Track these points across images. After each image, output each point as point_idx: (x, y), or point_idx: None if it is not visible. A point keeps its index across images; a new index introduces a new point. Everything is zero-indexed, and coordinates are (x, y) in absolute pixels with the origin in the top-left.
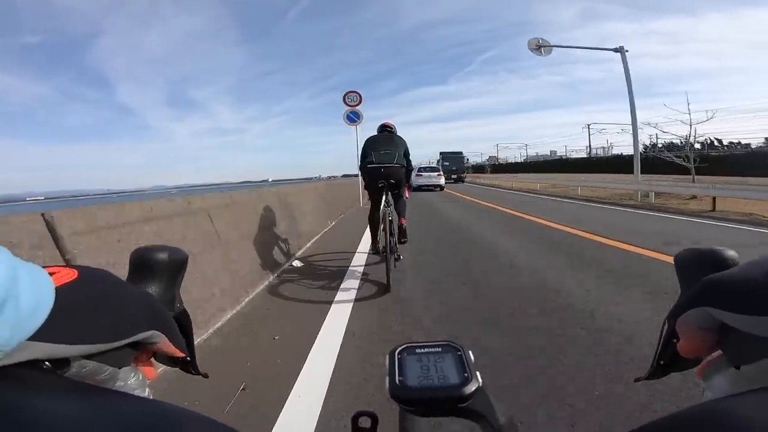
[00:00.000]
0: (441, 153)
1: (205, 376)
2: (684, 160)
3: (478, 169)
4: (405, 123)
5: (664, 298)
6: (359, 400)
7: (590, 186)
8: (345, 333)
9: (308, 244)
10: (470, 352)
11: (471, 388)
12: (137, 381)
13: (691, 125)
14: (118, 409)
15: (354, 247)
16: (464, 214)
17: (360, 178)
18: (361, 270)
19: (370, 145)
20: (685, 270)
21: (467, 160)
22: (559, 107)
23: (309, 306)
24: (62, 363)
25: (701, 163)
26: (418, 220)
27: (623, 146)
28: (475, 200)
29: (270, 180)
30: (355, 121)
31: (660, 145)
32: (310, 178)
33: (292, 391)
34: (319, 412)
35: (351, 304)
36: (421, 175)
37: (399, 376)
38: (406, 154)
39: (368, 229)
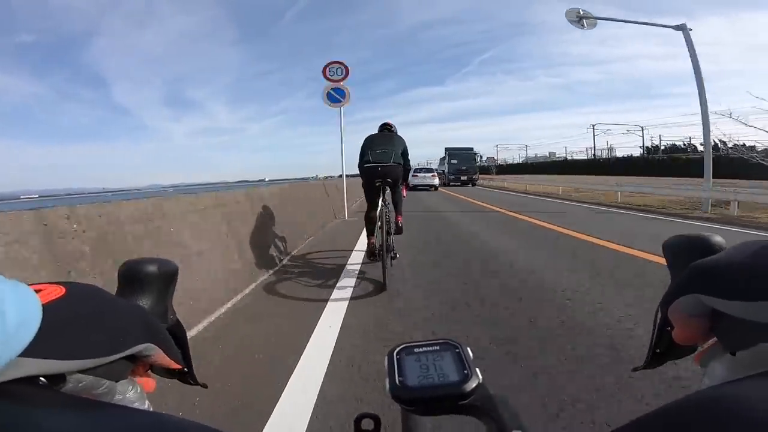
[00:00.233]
0: (447, 149)
1: (204, 386)
2: None
3: (483, 170)
4: (403, 123)
5: None
6: (354, 397)
7: (628, 191)
8: (341, 328)
9: None
10: (468, 348)
11: (471, 384)
12: (136, 394)
13: None
14: (117, 422)
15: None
16: (501, 234)
17: (344, 179)
18: (358, 268)
19: (368, 144)
20: (674, 256)
21: (481, 158)
22: (557, 109)
23: (306, 303)
24: (58, 379)
25: None
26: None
27: (628, 148)
28: (500, 209)
29: (267, 180)
30: (339, 102)
31: (662, 147)
32: (307, 178)
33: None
34: (311, 411)
35: (347, 302)
36: (416, 175)
37: (399, 376)
38: (405, 154)
39: (364, 232)
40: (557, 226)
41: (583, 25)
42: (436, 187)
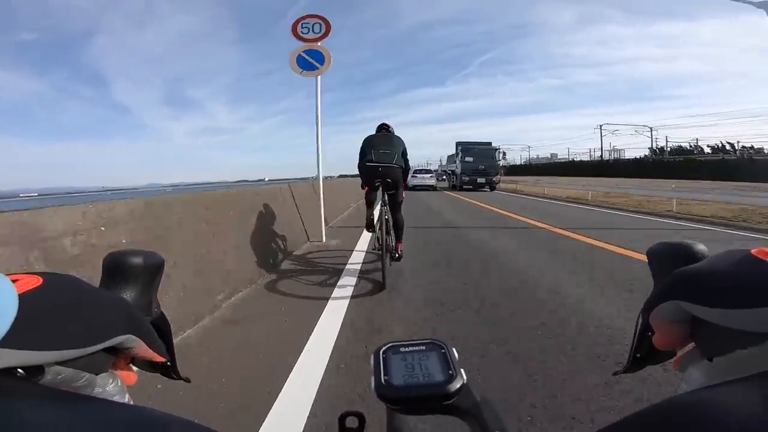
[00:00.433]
0: (460, 144)
1: (187, 380)
2: None
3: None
4: (403, 123)
5: None
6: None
7: (682, 197)
8: (342, 325)
9: None
10: (454, 349)
11: (456, 385)
12: (116, 387)
13: None
14: (97, 415)
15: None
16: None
17: (321, 182)
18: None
19: (368, 144)
20: (658, 263)
21: (503, 155)
22: (557, 110)
23: (308, 301)
24: (36, 370)
25: None
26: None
27: (633, 149)
28: (538, 222)
29: (266, 179)
30: (315, 68)
31: (668, 149)
32: (307, 178)
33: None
34: (310, 407)
35: (348, 300)
36: (415, 176)
37: (384, 375)
38: (404, 155)
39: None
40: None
41: None
42: (434, 188)
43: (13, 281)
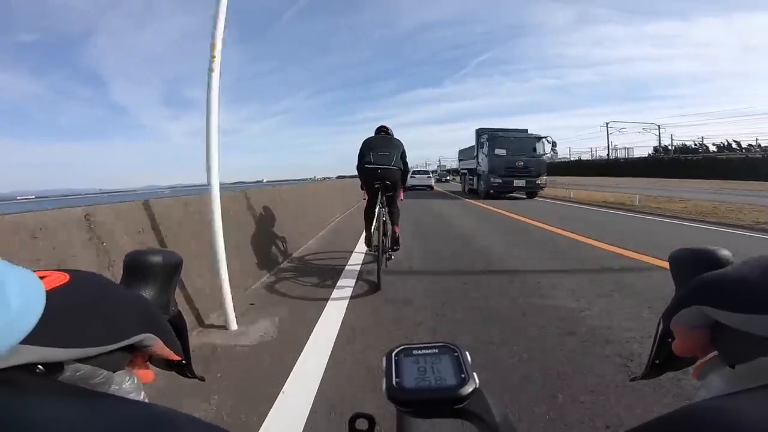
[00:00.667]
0: (484, 132)
1: (201, 379)
2: None
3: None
4: (402, 124)
5: None
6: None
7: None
8: (341, 325)
9: None
10: (467, 353)
11: (468, 389)
12: (132, 385)
13: None
14: (113, 413)
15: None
16: None
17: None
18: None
19: (367, 146)
20: (680, 269)
21: (554, 146)
22: (554, 110)
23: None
24: (56, 367)
25: None
26: None
27: (639, 148)
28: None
29: (264, 180)
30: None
31: (673, 147)
32: (305, 179)
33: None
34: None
35: (347, 301)
36: (414, 177)
37: (396, 377)
38: (403, 157)
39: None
40: None
41: None
42: (431, 187)
43: (42, 277)
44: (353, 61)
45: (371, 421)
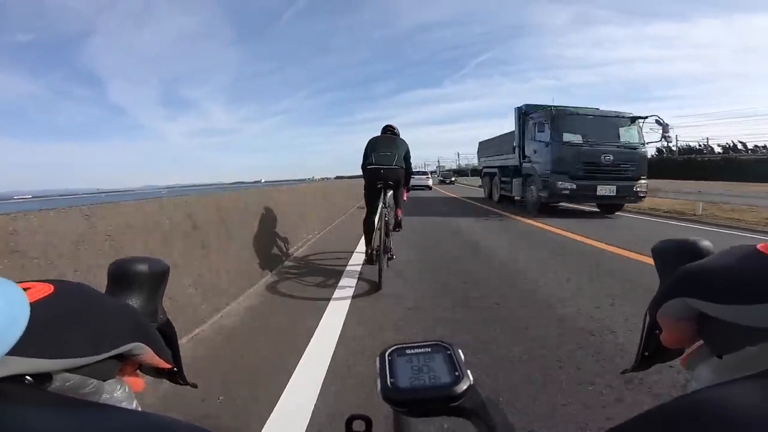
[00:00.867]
0: (534, 110)
1: (194, 386)
2: None
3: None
4: (401, 124)
5: None
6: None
7: None
8: (343, 325)
9: None
10: (460, 350)
11: (462, 386)
12: (124, 393)
13: None
14: (104, 422)
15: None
16: None
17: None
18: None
19: (372, 146)
20: (663, 261)
21: (663, 129)
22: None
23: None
24: (45, 378)
25: None
26: None
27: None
28: None
29: (263, 181)
30: None
31: (675, 147)
32: (304, 180)
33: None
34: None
35: (348, 301)
36: (413, 177)
37: (390, 377)
38: (407, 157)
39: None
40: None
41: None
42: (429, 187)
43: (25, 289)
44: (353, 62)
45: (368, 423)
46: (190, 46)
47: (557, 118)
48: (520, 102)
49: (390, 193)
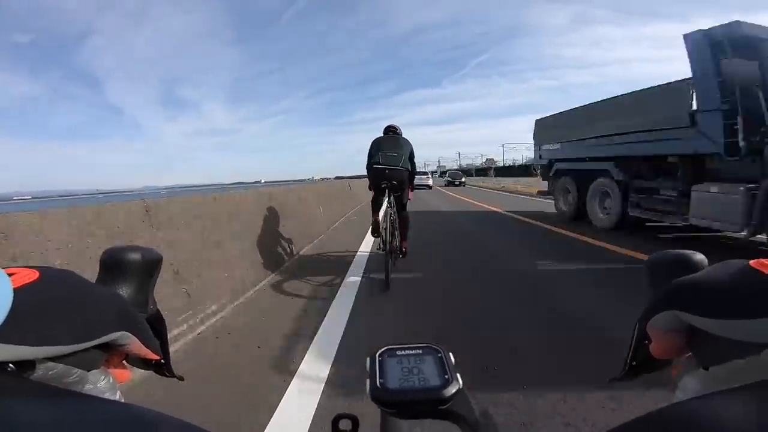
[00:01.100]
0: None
1: (180, 378)
2: None
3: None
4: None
5: None
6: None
7: None
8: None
9: None
10: (451, 354)
11: (451, 390)
12: (107, 384)
13: None
14: (86, 413)
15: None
16: None
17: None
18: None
19: (376, 146)
20: (655, 273)
21: None
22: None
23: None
24: (27, 365)
25: None
26: None
27: None
28: None
29: (262, 181)
30: None
31: None
32: (304, 180)
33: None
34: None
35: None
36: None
37: (380, 378)
38: (411, 158)
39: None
40: None
41: None
42: (430, 187)
43: (10, 275)
44: (352, 62)
45: (355, 422)
46: (189, 46)
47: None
48: (520, 101)
49: (394, 197)
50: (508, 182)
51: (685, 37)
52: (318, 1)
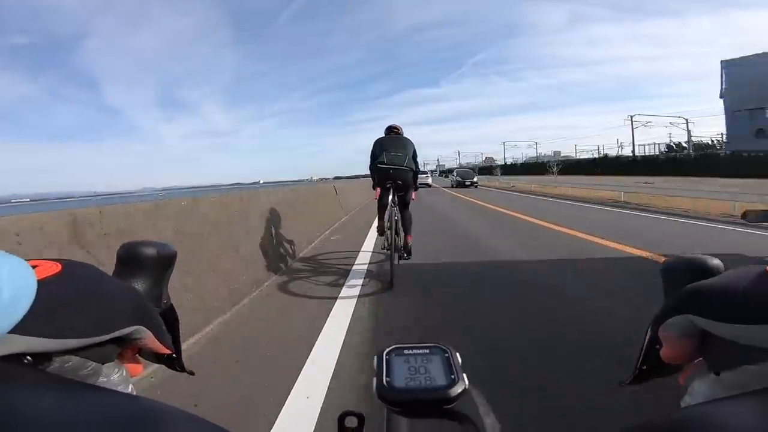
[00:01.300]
0: None
1: (191, 373)
2: None
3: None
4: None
5: None
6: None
7: None
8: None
9: None
10: (458, 353)
11: (457, 389)
12: (120, 377)
13: None
14: (100, 405)
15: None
16: None
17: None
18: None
19: (380, 146)
20: (671, 277)
21: None
22: (550, 109)
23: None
24: (44, 358)
25: None
26: None
27: (648, 144)
28: None
29: (261, 182)
30: None
31: (673, 144)
32: (302, 180)
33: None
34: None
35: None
36: None
37: (386, 377)
38: (414, 157)
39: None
40: None
41: None
42: (429, 185)
43: (33, 267)
44: (350, 62)
45: (361, 419)
46: (187, 47)
47: None
48: (518, 100)
49: (398, 196)
50: (520, 181)
51: None
52: (315, 1)
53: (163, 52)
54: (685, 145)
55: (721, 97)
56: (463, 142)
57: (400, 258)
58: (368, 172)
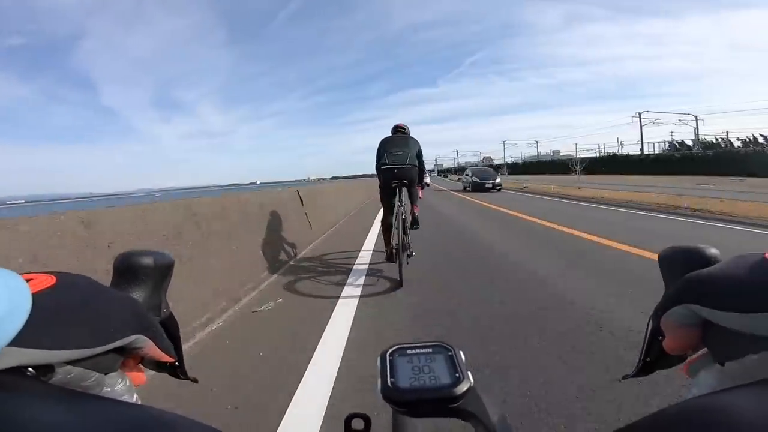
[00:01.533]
0: None
1: (194, 380)
2: None
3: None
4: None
5: None
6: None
7: None
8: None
9: None
10: (461, 352)
11: (462, 388)
12: (124, 387)
13: None
14: (104, 415)
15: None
16: None
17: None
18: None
19: (383, 147)
20: (669, 268)
21: None
22: (549, 108)
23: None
24: (46, 369)
25: None
26: None
27: (650, 142)
28: None
29: (258, 183)
30: None
31: (676, 143)
32: (299, 181)
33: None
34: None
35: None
36: None
37: (390, 377)
38: (419, 155)
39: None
40: None
41: None
42: (428, 184)
43: (27, 280)
44: (347, 62)
45: (367, 421)
46: (183, 48)
47: None
48: (516, 99)
49: (405, 191)
50: (530, 182)
51: None
52: (311, 1)
53: (159, 53)
54: (689, 143)
55: None
56: (461, 142)
57: (409, 256)
58: (367, 173)
